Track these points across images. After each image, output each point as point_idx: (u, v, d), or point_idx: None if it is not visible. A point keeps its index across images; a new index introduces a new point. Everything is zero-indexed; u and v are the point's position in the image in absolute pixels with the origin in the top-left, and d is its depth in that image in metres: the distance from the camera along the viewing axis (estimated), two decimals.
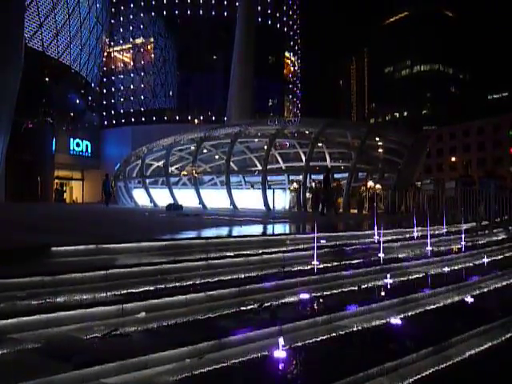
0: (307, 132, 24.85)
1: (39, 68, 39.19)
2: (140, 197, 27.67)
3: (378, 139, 23.55)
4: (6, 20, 25.64)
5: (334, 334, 4.60)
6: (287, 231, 10.91)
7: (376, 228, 9.45)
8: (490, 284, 7.38)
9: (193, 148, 25.90)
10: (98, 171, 46.81)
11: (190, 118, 53.68)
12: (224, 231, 9.87)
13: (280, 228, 11.76)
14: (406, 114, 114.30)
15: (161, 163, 27.19)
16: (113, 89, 57.45)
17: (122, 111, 56.19)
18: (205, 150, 27.08)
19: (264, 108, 56.19)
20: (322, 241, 8.28)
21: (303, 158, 24.08)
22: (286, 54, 64.75)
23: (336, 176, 23.92)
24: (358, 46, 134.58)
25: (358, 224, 13.38)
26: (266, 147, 23.77)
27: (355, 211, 20.12)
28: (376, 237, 9.27)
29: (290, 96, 66.45)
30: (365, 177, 21.89)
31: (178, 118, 53.21)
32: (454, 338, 4.70)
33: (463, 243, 10.37)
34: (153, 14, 55.99)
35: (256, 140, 26.42)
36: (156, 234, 8.38)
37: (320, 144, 23.44)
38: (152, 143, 28.57)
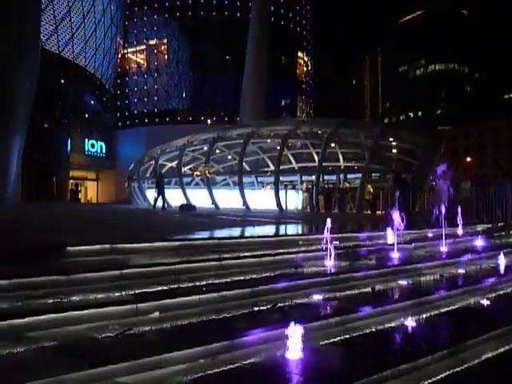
0: (320, 132, 24.76)
1: (55, 70, 39.77)
2: (153, 197, 27.84)
3: (391, 139, 23.35)
4: (23, 22, 26.07)
5: (347, 336, 4.57)
6: (299, 232, 10.88)
7: (391, 229, 9.36)
8: (506, 286, 7.25)
9: (206, 148, 25.99)
10: (112, 172, 47.39)
11: (203, 118, 53.99)
12: (237, 232, 9.88)
13: (293, 229, 11.74)
14: (420, 113, 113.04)
15: (174, 164, 27.35)
16: (127, 90, 58.03)
17: (136, 112, 56.71)
18: (217, 151, 27.16)
19: (277, 108, 56.22)
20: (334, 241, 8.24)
21: (316, 159, 24.00)
22: (299, 53, 64.69)
23: (349, 176, 23.86)
24: (372, 45, 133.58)
25: (371, 224, 13.28)
26: (278, 147, 23.75)
27: (368, 212, 19.98)
28: (391, 238, 9.19)
29: (303, 96, 66.33)
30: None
31: (191, 118, 53.56)
32: (469, 340, 4.63)
33: (479, 245, 10.22)
34: (166, 15, 56.41)
35: (269, 140, 26.40)
36: (169, 234, 8.43)
37: (333, 144, 23.33)
38: (165, 144, 28.77)
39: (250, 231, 10.09)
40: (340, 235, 8.79)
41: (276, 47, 51.03)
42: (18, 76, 26.10)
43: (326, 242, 7.22)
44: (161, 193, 21.15)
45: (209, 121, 53.85)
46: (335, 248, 7.76)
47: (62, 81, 42.13)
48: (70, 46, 42.37)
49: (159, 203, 21.12)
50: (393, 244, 8.44)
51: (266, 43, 42.92)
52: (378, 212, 19.17)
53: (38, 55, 28.83)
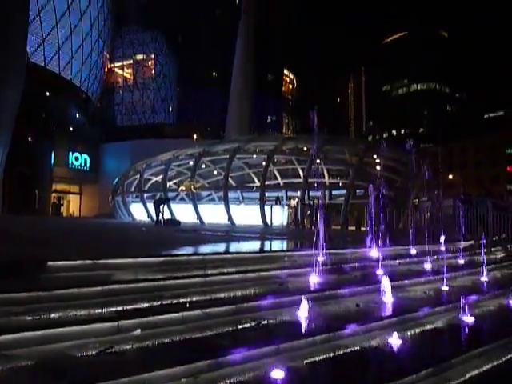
0: (305, 148, 24.97)
1: (40, 82, 39.43)
2: (138, 211, 27.60)
3: (375, 156, 23.65)
4: (9, 34, 25.89)
5: (332, 354, 4.54)
6: (285, 248, 10.85)
7: (374, 245, 9.42)
8: (489, 303, 7.32)
9: (191, 163, 25.94)
10: (96, 185, 46.83)
11: (188, 133, 53.91)
12: (221, 247, 9.81)
13: (278, 244, 11.71)
14: (403, 131, 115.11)
15: (159, 178, 27.20)
16: (113, 104, 57.82)
17: (121, 126, 56.44)
18: (203, 166, 27.13)
19: (263, 124, 56.72)
20: (320, 258, 8.23)
21: (301, 175, 24.14)
22: (285, 71, 65.57)
23: (334, 193, 24.01)
24: (356, 64, 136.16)
25: (353, 241, 13.31)
26: (264, 163, 23.84)
27: (353, 228, 20.11)
28: (374, 254, 9.23)
29: (289, 113, 67.05)
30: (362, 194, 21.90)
31: (177, 133, 53.41)
32: (453, 359, 4.64)
33: (461, 261, 10.33)
34: (154, 30, 56.73)
35: (254, 156, 26.50)
36: (153, 250, 8.32)
37: (318, 161, 23.52)
38: (151, 158, 28.63)
39: (234, 247, 10.03)
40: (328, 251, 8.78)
41: (262, 64, 51.64)
42: (3, 88, 25.82)
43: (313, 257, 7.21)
44: (159, 211, 21.03)
45: (195, 136, 53.84)
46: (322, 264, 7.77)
47: (47, 93, 41.77)
48: (56, 59, 42.18)
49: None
50: (377, 260, 8.47)
51: (253, 59, 43.45)
52: (363, 228, 19.28)
53: (23, 67, 28.60)
